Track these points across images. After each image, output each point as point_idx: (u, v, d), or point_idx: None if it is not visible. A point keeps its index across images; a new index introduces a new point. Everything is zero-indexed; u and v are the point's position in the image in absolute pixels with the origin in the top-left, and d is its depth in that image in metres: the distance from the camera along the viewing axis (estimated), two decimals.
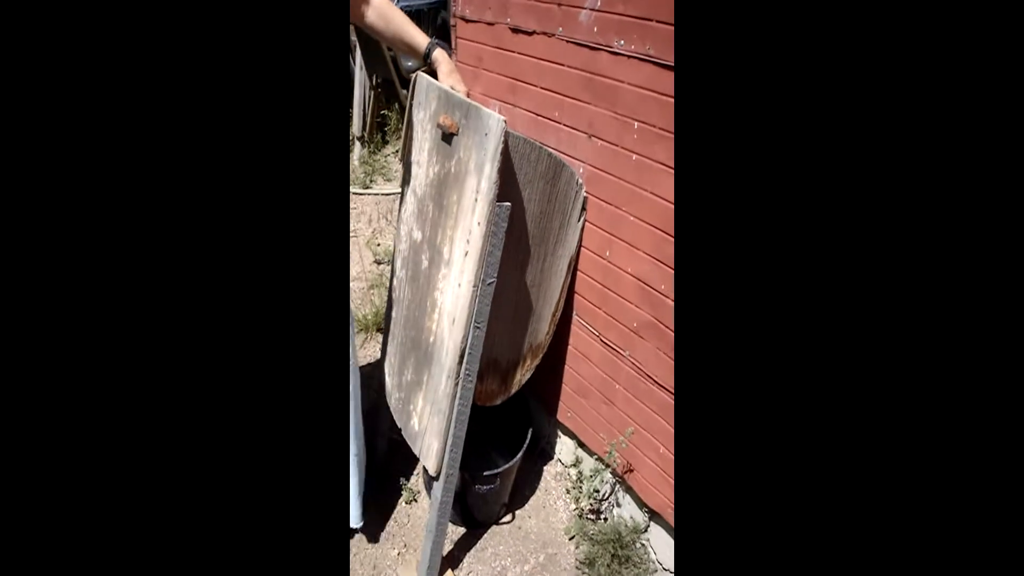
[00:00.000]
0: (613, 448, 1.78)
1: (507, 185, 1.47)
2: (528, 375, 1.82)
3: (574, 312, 1.83)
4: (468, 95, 1.55)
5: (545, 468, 2.20)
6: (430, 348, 1.67)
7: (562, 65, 1.59)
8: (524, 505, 2.08)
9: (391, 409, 1.93)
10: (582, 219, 1.68)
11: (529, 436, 1.99)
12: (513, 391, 1.81)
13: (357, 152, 3.84)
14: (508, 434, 2.05)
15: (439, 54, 1.60)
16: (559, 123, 1.66)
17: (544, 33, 1.61)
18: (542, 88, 1.69)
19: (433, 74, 1.60)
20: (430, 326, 1.67)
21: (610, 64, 1.45)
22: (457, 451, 1.69)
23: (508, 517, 2.03)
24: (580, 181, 1.62)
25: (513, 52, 1.75)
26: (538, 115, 1.74)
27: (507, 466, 1.90)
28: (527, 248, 1.60)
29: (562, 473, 2.17)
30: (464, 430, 1.67)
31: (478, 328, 1.55)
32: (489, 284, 1.50)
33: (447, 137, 1.51)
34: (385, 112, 3.69)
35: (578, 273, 1.76)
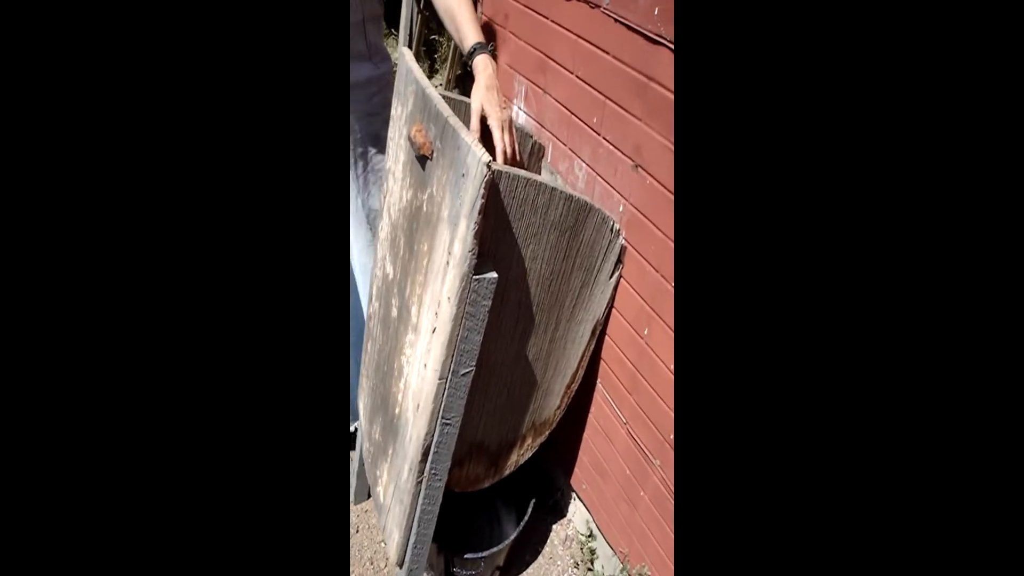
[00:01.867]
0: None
1: (499, 242, 1.00)
2: (529, 454, 1.41)
3: (598, 379, 1.37)
4: (507, 126, 1.08)
5: (555, 527, 1.82)
6: (396, 421, 1.28)
7: (606, 53, 1.05)
8: (524, 571, 1.72)
9: (362, 451, 1.59)
10: (616, 275, 1.18)
11: (532, 506, 1.60)
12: (507, 473, 1.40)
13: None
14: (517, 482, 1.65)
15: (481, 62, 1.14)
16: (597, 133, 1.14)
17: (585, 1, 1.06)
18: (578, 78, 1.16)
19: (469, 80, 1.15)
20: (396, 394, 1.26)
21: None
22: (423, 548, 1.33)
23: None
24: (616, 227, 1.12)
25: (545, 18, 1.21)
26: (572, 113, 1.21)
27: (497, 549, 1.52)
28: (530, 316, 1.14)
29: (572, 538, 1.78)
30: (432, 527, 1.30)
31: (447, 424, 1.13)
32: (464, 375, 1.06)
33: (420, 158, 1.03)
34: (435, 38, 3.15)
35: (606, 338, 1.29)
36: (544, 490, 1.83)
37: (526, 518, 1.60)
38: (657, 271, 1.08)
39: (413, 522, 1.29)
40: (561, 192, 1.01)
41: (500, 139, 1.13)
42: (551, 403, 1.34)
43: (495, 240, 1.00)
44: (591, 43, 1.09)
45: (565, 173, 1.29)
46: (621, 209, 1.13)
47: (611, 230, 1.12)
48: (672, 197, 1.00)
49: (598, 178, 1.17)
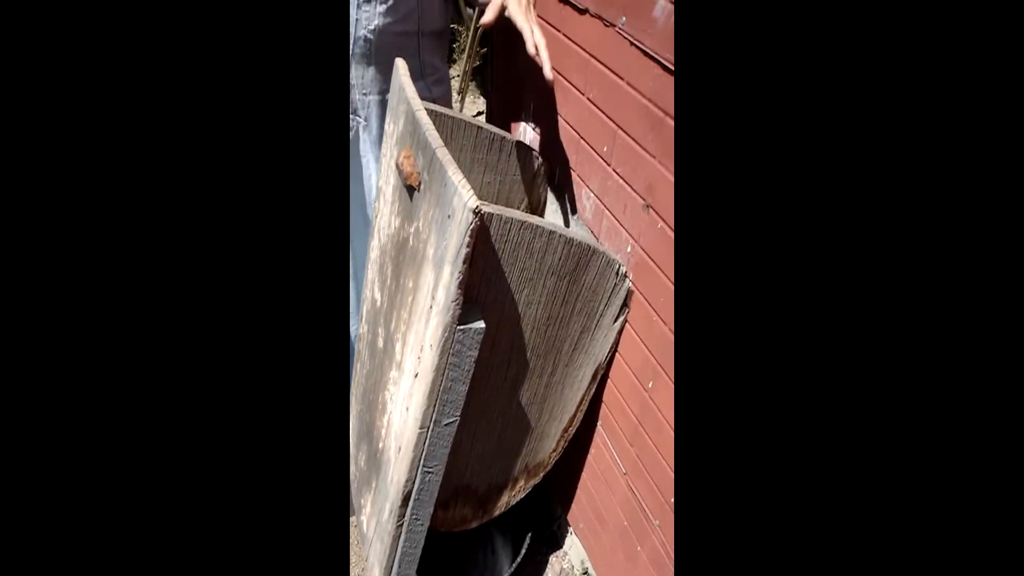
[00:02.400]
0: None
1: (489, 286, 0.90)
2: (522, 495, 1.32)
3: (599, 421, 1.28)
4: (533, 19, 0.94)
5: (551, 559, 1.74)
6: (379, 455, 1.20)
7: (620, 78, 0.94)
8: None
9: (351, 472, 1.52)
10: (620, 319, 1.08)
11: (528, 540, 1.51)
12: (496, 514, 1.32)
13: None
14: (515, 510, 1.56)
15: None
16: (607, 164, 1.03)
17: (599, 17, 0.96)
18: (589, 100, 1.05)
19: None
20: (380, 428, 1.18)
21: None
22: None
23: None
24: (623, 269, 1.01)
25: (557, 31, 1.10)
26: (581, 137, 1.11)
27: None
28: (523, 361, 1.04)
29: (568, 573, 1.70)
30: (414, 567, 1.23)
31: (429, 472, 1.05)
32: (447, 425, 0.98)
33: (408, 187, 0.94)
34: (454, 27, 3.01)
35: (609, 382, 1.19)
36: (542, 519, 1.74)
37: (523, 552, 1.52)
38: (664, 323, 0.97)
39: (394, 563, 1.22)
40: (560, 236, 0.90)
41: (531, 34, 0.93)
42: (546, 446, 1.25)
43: (485, 285, 0.90)
44: (604, 65, 0.98)
45: (572, 200, 1.19)
46: (629, 250, 1.03)
47: (616, 273, 1.01)
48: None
49: (606, 212, 1.07)
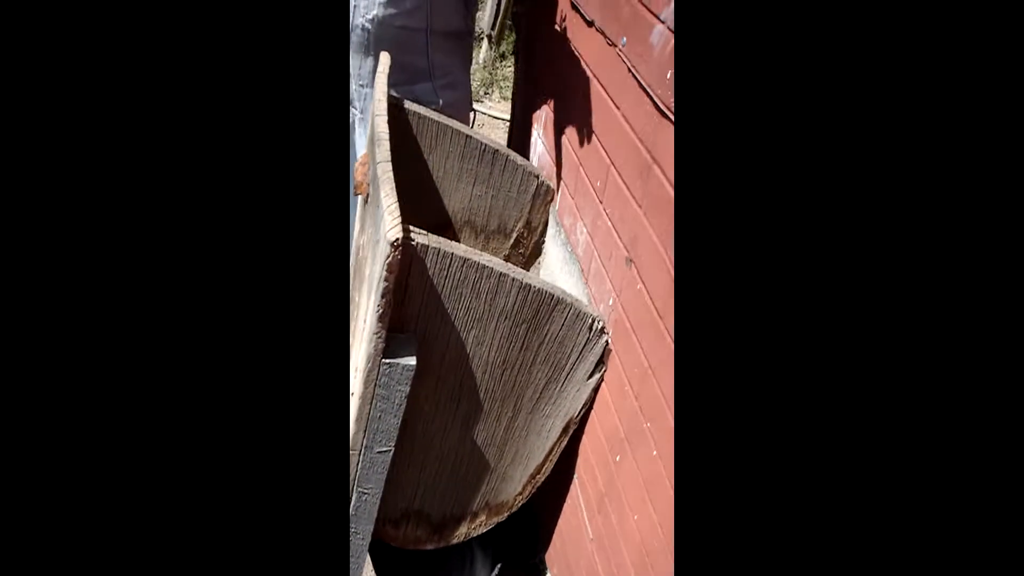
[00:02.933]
0: None
1: (429, 320, 0.82)
2: (484, 529, 1.24)
3: (575, 476, 1.16)
4: None
5: None
6: None
7: (616, 107, 0.82)
8: None
9: None
10: (596, 376, 0.96)
11: (499, 569, 1.44)
12: (455, 542, 1.24)
13: (483, 52, 3.11)
14: (499, 528, 1.47)
15: None
16: (600, 201, 0.91)
17: (603, 34, 0.83)
18: (590, 126, 0.92)
19: None
20: None
21: None
22: None
23: None
24: (599, 324, 0.89)
25: (568, 40, 0.98)
26: (580, 164, 0.98)
27: None
28: (475, 401, 0.95)
29: None
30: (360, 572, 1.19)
31: (364, 493, 0.99)
32: (380, 452, 0.91)
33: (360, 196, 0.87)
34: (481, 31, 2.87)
35: (583, 440, 1.08)
36: (527, 546, 1.65)
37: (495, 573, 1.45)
38: (636, 399, 0.85)
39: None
40: (514, 280, 0.80)
41: None
42: (509, 488, 1.15)
43: (424, 318, 0.82)
44: (604, 89, 0.85)
45: (568, 230, 1.07)
46: (611, 302, 0.90)
47: (589, 328, 0.89)
48: (659, 320, 0.76)
49: (595, 254, 0.94)
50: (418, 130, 1.02)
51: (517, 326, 0.86)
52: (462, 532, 1.24)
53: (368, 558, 1.47)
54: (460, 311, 0.82)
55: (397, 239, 0.68)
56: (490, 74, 3.14)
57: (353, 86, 1.10)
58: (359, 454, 0.93)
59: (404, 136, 1.02)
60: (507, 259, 1.24)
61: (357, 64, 1.08)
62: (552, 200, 1.15)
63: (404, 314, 0.80)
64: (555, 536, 1.38)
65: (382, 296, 0.72)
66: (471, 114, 1.34)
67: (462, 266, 0.77)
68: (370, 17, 1.02)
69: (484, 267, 0.78)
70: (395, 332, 0.82)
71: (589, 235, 0.97)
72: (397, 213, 0.70)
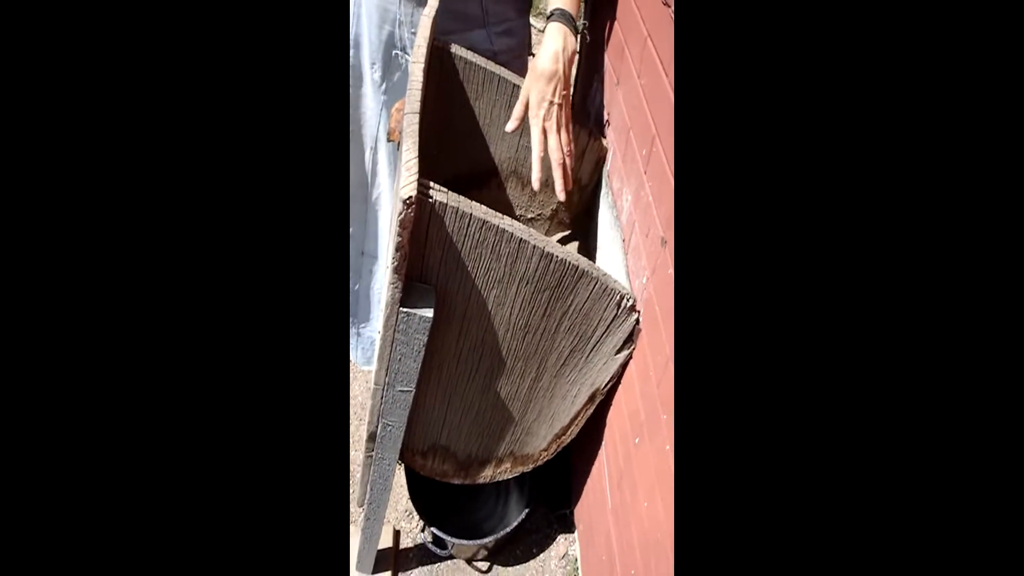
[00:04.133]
0: None
1: (449, 276, 0.82)
2: (508, 475, 1.27)
3: (603, 439, 1.16)
4: (553, 127, 0.92)
5: (560, 538, 1.69)
6: None
7: (666, 74, 0.75)
8: (510, 566, 1.65)
9: None
10: (624, 352, 0.94)
11: (523, 515, 1.48)
12: (480, 481, 1.29)
13: None
14: (538, 472, 1.52)
15: (550, 32, 0.91)
16: (644, 172, 0.86)
17: None
18: (641, 87, 0.86)
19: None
20: None
21: None
22: (377, 508, 1.30)
23: (484, 565, 1.63)
24: (629, 302, 0.86)
25: None
26: (630, 128, 0.92)
27: (467, 542, 1.45)
28: (497, 356, 0.96)
29: (568, 560, 1.64)
30: (385, 494, 1.27)
31: (389, 425, 1.04)
32: (401, 391, 0.95)
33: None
34: None
35: (608, 412, 1.06)
36: (560, 495, 1.68)
37: (523, 515, 1.49)
38: (657, 386, 0.82)
39: (367, 486, 1.26)
40: (535, 247, 0.78)
41: (538, 140, 0.90)
42: (535, 442, 1.17)
43: (445, 273, 0.82)
44: (656, 51, 0.78)
45: (616, 194, 1.02)
46: (644, 281, 0.86)
47: (618, 304, 0.86)
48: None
49: (636, 225, 0.90)
50: (464, 76, 0.99)
51: (539, 292, 0.84)
52: (487, 474, 1.27)
53: (406, 483, 1.56)
54: (480, 271, 0.81)
55: (410, 197, 0.68)
56: None
57: (405, 34, 1.08)
58: (382, 390, 0.97)
59: (449, 82, 1.00)
60: (554, 214, 1.21)
61: (409, 11, 1.05)
62: (604, 159, 1.09)
63: (425, 265, 0.81)
64: (583, 494, 1.39)
65: (396, 250, 0.72)
66: (529, 59, 1.29)
67: (481, 227, 0.76)
68: None
69: (504, 231, 0.76)
70: (417, 281, 0.83)
71: (632, 204, 0.92)
72: (415, 169, 0.70)
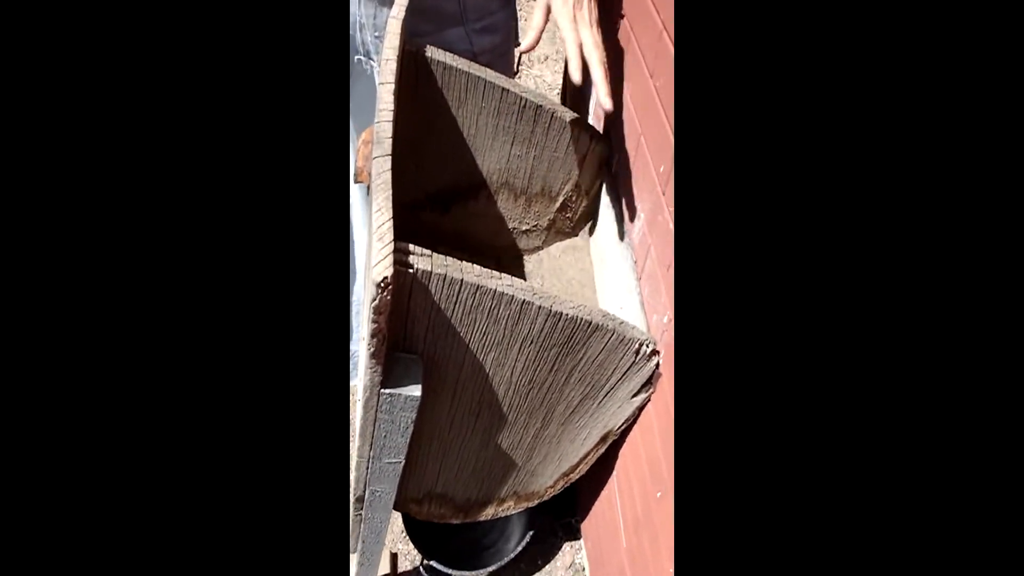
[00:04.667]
0: None
1: (437, 342, 0.69)
2: (510, 512, 1.16)
3: (614, 474, 1.05)
4: (584, 19, 0.74)
5: (566, 546, 1.61)
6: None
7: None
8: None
9: None
10: (641, 396, 0.82)
11: (528, 538, 1.39)
12: (481, 519, 1.18)
13: None
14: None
15: None
16: (662, 191, 0.73)
17: None
18: (655, 89, 0.72)
19: None
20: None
21: None
22: (371, 557, 1.19)
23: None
24: (648, 348, 0.74)
25: None
26: (642, 135, 0.79)
27: (468, 574, 1.36)
28: (498, 414, 0.83)
29: (577, 570, 1.57)
30: (380, 546, 1.15)
31: (377, 492, 0.92)
32: (389, 463, 0.82)
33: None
34: None
35: (621, 453, 0.95)
36: (566, 503, 1.59)
37: (525, 541, 1.40)
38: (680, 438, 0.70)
39: (359, 540, 1.14)
40: (540, 308, 0.64)
41: (572, 30, 0.73)
42: (540, 482, 1.05)
43: (432, 340, 0.68)
44: (671, 40, 0.64)
45: (624, 208, 0.89)
46: (665, 320, 0.74)
47: (636, 352, 0.74)
48: None
49: (651, 251, 0.77)
50: (444, 82, 0.83)
51: (545, 351, 0.71)
52: (488, 512, 1.16)
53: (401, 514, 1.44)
54: (475, 335, 0.68)
55: (384, 279, 0.53)
56: None
57: (368, 37, 0.91)
58: (367, 462, 0.84)
59: (427, 90, 0.84)
60: (552, 223, 1.07)
61: (371, 12, 0.88)
62: (607, 160, 0.95)
63: (409, 335, 0.67)
64: (591, 513, 1.30)
65: (372, 336, 0.58)
66: (516, 57, 1.12)
67: (475, 293, 0.62)
68: None
69: (502, 294, 0.62)
70: (400, 353, 0.69)
71: (646, 226, 0.78)
72: (390, 237, 0.55)
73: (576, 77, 0.73)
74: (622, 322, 0.71)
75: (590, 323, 0.68)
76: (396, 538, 1.64)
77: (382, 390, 0.67)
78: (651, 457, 0.82)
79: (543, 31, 0.75)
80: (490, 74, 0.83)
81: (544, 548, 1.61)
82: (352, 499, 0.99)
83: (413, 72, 0.82)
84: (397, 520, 1.61)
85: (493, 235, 1.07)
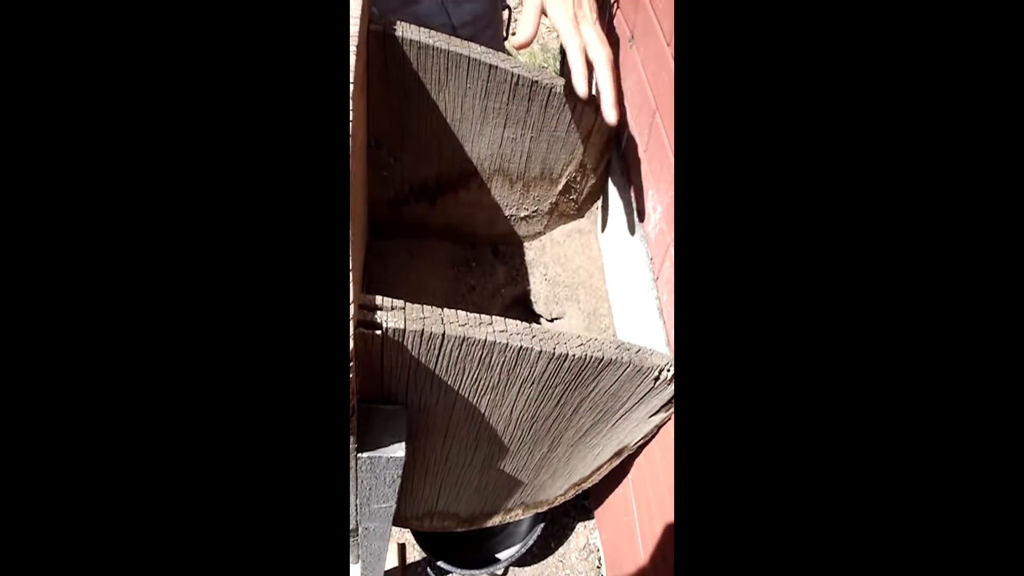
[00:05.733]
0: None
1: (421, 391, 0.59)
2: (521, 517, 1.09)
3: (630, 483, 0.97)
4: (591, 35, 0.66)
5: (579, 527, 1.56)
6: None
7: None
8: (528, 565, 1.52)
9: None
10: (660, 415, 0.72)
11: (538, 531, 1.33)
12: (487, 525, 1.10)
13: None
14: None
15: None
16: (667, 224, 0.60)
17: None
18: (671, 51, 0.59)
19: None
20: None
21: None
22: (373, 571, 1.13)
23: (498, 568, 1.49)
24: (669, 373, 0.63)
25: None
26: (657, 110, 0.66)
27: (477, 572, 1.30)
28: (498, 445, 0.74)
29: (590, 551, 1.51)
30: (381, 569, 1.08)
31: (368, 529, 0.83)
32: (381, 507, 0.74)
33: None
34: None
35: (638, 459, 0.86)
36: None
37: (535, 534, 1.35)
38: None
39: (358, 559, 1.07)
40: (541, 351, 0.53)
41: (572, 31, 0.63)
42: (550, 492, 0.97)
43: (414, 391, 0.58)
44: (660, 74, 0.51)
45: (637, 193, 0.77)
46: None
47: (655, 378, 0.63)
48: None
49: (670, 249, 0.65)
50: (419, 64, 0.69)
51: (550, 388, 0.60)
52: (495, 520, 1.09)
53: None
54: (465, 382, 0.57)
55: (356, 330, 0.42)
56: None
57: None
58: (355, 508, 0.75)
59: (399, 74, 0.70)
60: (555, 206, 0.94)
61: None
62: (614, 137, 0.82)
63: (386, 389, 0.56)
64: (605, 503, 1.23)
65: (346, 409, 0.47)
66: (504, 19, 0.96)
67: (460, 343, 0.51)
68: None
69: (494, 344, 0.51)
70: (379, 404, 0.59)
71: (664, 217, 0.66)
72: (348, 294, 0.44)
73: (581, 88, 0.62)
74: (639, 350, 0.60)
75: (601, 359, 0.57)
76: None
77: (359, 454, 0.56)
78: (670, 480, 0.73)
79: (536, 33, 0.63)
80: (474, 49, 0.69)
81: (556, 530, 1.55)
82: (348, 527, 0.91)
83: (382, 56, 0.69)
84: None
85: (489, 224, 0.95)
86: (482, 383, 0.57)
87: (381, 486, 0.65)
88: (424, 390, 0.57)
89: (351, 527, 0.87)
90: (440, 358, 0.52)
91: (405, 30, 0.67)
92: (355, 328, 0.43)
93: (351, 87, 0.53)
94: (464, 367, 0.54)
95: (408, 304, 0.48)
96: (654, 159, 0.69)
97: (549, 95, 0.76)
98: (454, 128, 0.79)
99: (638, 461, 0.91)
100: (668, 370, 0.64)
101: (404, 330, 0.47)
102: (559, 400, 0.64)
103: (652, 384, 0.65)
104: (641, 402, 0.69)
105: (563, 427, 0.71)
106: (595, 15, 0.63)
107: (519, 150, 0.83)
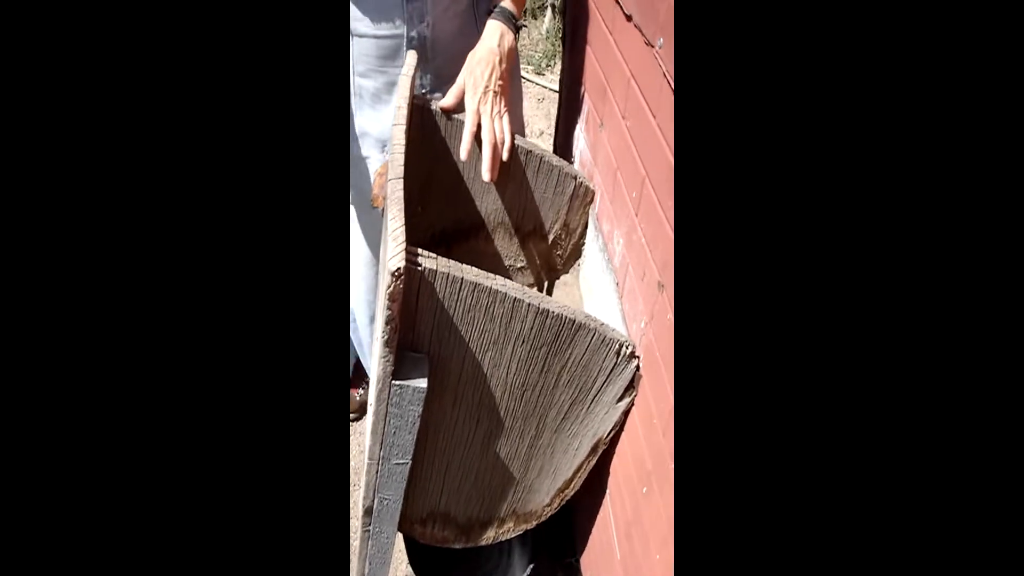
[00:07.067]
0: None
1: (441, 341, 0.78)
2: (512, 535, 1.21)
3: (607, 488, 1.12)
4: (489, 111, 0.92)
5: None
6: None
7: (653, 116, 0.74)
8: None
9: None
10: (625, 400, 0.90)
11: (528, 572, 1.42)
12: (482, 543, 1.23)
13: (546, 22, 2.97)
14: (541, 528, 1.46)
15: (490, 29, 0.91)
16: (635, 214, 0.84)
17: (640, 31, 0.74)
18: (627, 129, 0.85)
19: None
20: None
21: None
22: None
23: None
24: (628, 349, 0.83)
25: (609, 33, 0.90)
26: (618, 168, 0.91)
27: None
28: (495, 419, 0.92)
29: None
30: (386, 570, 1.19)
31: (385, 499, 0.98)
32: (397, 464, 0.90)
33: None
34: None
35: (612, 461, 1.02)
36: (564, 544, 1.62)
37: (528, 569, 1.43)
38: (663, 435, 0.78)
39: (366, 561, 1.19)
40: (530, 305, 0.75)
41: (472, 119, 0.90)
42: (537, 499, 1.12)
43: (437, 340, 0.78)
44: (641, 92, 0.77)
45: (606, 236, 1.00)
46: (643, 326, 0.84)
47: (617, 352, 0.83)
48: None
49: (630, 269, 0.87)
50: (446, 131, 0.97)
51: (536, 350, 0.81)
52: (490, 535, 1.22)
53: (404, 547, 1.49)
54: (474, 334, 0.77)
55: (398, 268, 0.64)
56: (553, 45, 3.02)
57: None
58: (376, 464, 0.92)
59: (430, 138, 0.97)
60: (546, 261, 1.18)
61: (418, 76, 1.03)
62: (591, 202, 1.07)
63: (416, 334, 0.77)
64: (589, 544, 1.35)
65: (386, 323, 0.68)
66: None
67: (473, 291, 0.72)
68: (427, 23, 0.97)
69: (497, 292, 0.73)
70: (408, 351, 0.79)
71: (625, 248, 0.89)
72: (402, 238, 0.66)
73: (463, 154, 0.90)
74: (603, 323, 0.81)
75: (574, 321, 0.78)
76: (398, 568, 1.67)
77: (393, 381, 0.76)
78: (637, 459, 0.90)
79: (458, 101, 0.92)
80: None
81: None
82: (360, 512, 1.05)
83: (419, 122, 0.96)
84: (398, 564, 1.64)
85: (492, 271, 1.19)
86: (486, 336, 0.78)
87: (403, 430, 0.83)
88: (443, 339, 0.77)
89: (366, 507, 1.02)
90: (458, 303, 0.73)
91: (437, 104, 0.95)
92: (405, 258, 0.65)
93: (404, 134, 0.79)
94: (474, 316, 0.75)
95: (439, 257, 0.70)
96: (616, 205, 0.94)
97: (540, 162, 1.02)
98: (468, 185, 1.05)
99: (615, 481, 1.06)
100: (627, 347, 0.84)
101: (436, 271, 0.69)
102: (543, 366, 0.83)
103: (615, 359, 0.84)
104: (608, 381, 0.88)
105: (547, 403, 0.89)
106: (497, 111, 0.90)
107: (517, 207, 1.08)
